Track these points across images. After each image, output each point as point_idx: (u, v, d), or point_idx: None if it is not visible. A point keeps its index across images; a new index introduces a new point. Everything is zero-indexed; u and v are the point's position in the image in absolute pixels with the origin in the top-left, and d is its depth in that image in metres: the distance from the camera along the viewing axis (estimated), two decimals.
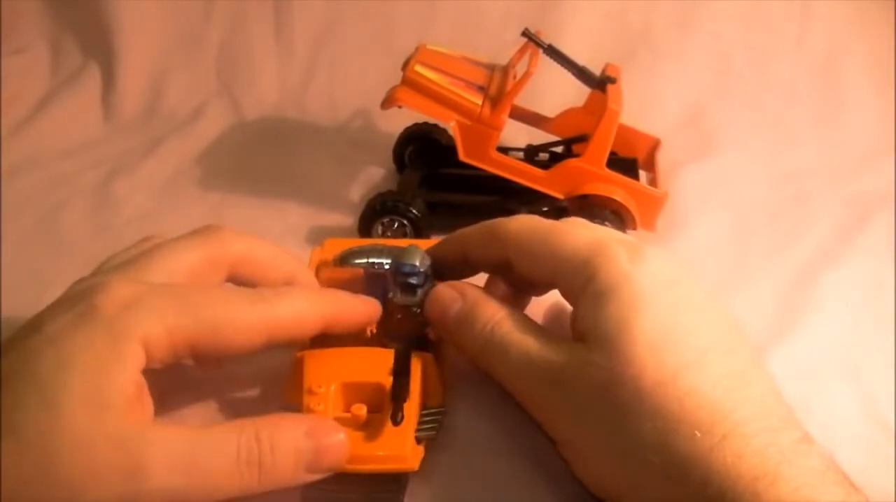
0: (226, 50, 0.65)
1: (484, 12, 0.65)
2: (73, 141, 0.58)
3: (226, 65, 0.65)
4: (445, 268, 0.35)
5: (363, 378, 0.31)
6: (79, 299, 0.27)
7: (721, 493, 0.24)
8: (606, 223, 0.43)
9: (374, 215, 0.44)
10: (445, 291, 0.33)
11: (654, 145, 0.52)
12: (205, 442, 0.26)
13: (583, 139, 0.46)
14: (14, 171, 0.53)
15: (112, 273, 0.30)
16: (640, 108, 0.52)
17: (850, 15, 0.63)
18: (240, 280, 0.33)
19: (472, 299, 0.32)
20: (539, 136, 0.51)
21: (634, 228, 0.45)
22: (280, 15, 0.66)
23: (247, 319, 0.29)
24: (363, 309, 0.33)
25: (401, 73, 0.45)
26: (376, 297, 0.34)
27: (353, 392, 0.30)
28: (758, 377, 0.28)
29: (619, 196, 0.44)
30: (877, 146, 0.58)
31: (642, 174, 0.50)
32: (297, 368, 0.32)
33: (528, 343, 0.30)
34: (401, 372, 0.31)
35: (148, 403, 0.27)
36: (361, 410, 0.30)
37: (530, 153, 0.50)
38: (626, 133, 0.50)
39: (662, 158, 0.51)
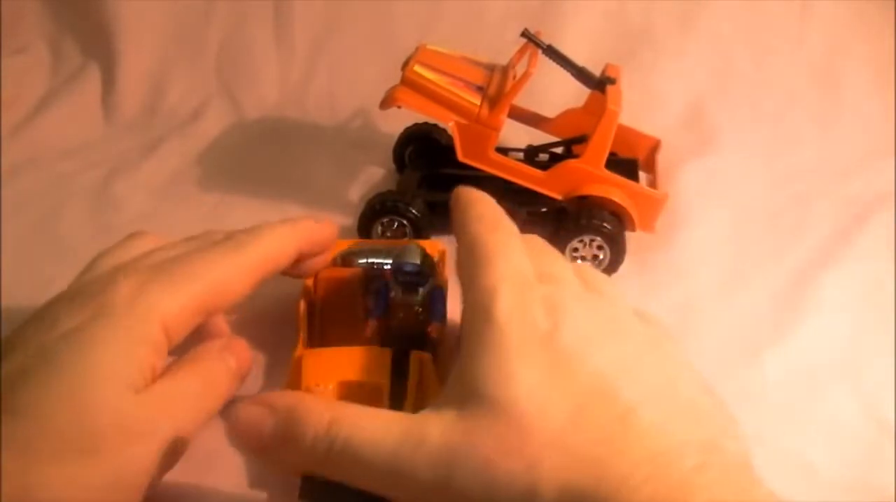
0: (226, 50, 0.65)
1: (484, 12, 0.65)
2: (73, 141, 0.58)
3: (226, 65, 0.65)
4: None
5: (361, 377, 0.31)
6: (91, 293, 0.29)
7: None
8: (605, 225, 0.43)
9: (374, 215, 0.45)
10: (249, 410, 0.26)
11: (655, 146, 0.52)
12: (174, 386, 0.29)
13: (582, 140, 0.46)
14: (14, 171, 0.53)
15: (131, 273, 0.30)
16: (640, 108, 0.52)
17: (850, 15, 0.63)
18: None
19: (285, 408, 0.25)
20: (539, 137, 0.51)
21: (633, 229, 0.45)
22: (280, 15, 0.66)
23: (241, 267, 0.31)
24: (325, 228, 0.36)
25: (400, 74, 0.45)
26: (378, 297, 0.34)
27: (352, 391, 0.31)
28: (648, 408, 0.24)
29: (617, 197, 0.44)
30: (877, 146, 0.58)
31: (642, 175, 0.50)
32: (297, 367, 0.32)
33: (382, 432, 0.24)
34: (399, 372, 0.31)
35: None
36: None
37: (530, 154, 0.50)
38: (626, 134, 0.50)
39: (662, 158, 0.51)
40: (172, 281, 0.29)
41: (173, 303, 0.29)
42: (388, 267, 0.35)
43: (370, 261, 0.36)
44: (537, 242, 0.31)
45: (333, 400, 0.28)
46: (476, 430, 0.24)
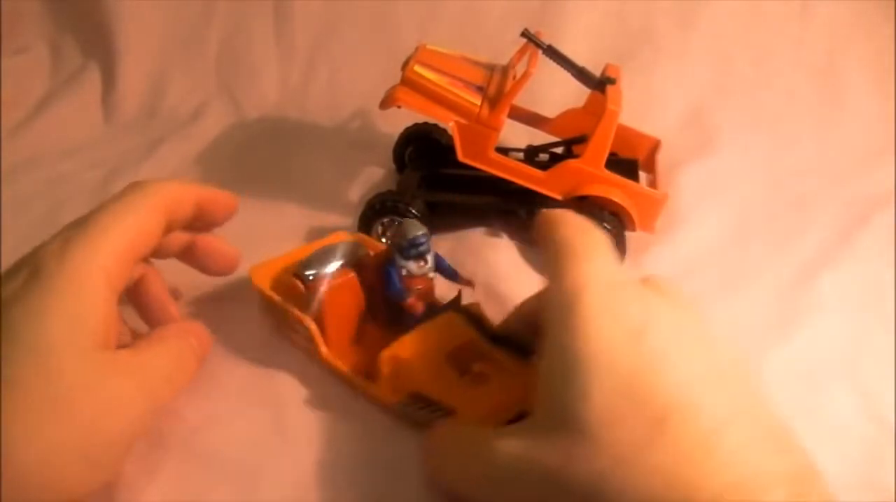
0: (226, 50, 0.65)
1: (484, 12, 0.65)
2: (73, 141, 0.58)
3: (226, 65, 0.65)
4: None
5: (457, 341, 0.33)
6: (25, 263, 0.29)
7: None
8: (605, 225, 0.43)
9: (374, 215, 0.44)
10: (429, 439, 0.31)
11: (655, 146, 0.52)
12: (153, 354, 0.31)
13: (583, 140, 0.46)
14: (14, 171, 0.53)
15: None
16: (640, 109, 0.52)
17: (850, 15, 0.63)
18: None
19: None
20: (539, 137, 0.51)
21: (633, 229, 0.45)
22: (280, 15, 0.66)
23: (149, 210, 0.32)
24: (222, 195, 0.36)
25: (401, 74, 0.45)
26: (390, 280, 0.35)
27: (459, 356, 0.33)
28: (744, 424, 0.24)
29: (617, 197, 0.44)
30: (877, 146, 0.58)
31: (642, 175, 0.50)
32: (390, 364, 0.33)
33: (475, 450, 0.28)
34: (476, 320, 0.34)
35: (114, 339, 0.30)
36: (481, 366, 0.33)
37: (530, 154, 0.49)
38: (626, 134, 0.50)
39: (662, 159, 0.51)
40: (88, 233, 0.29)
41: (97, 251, 0.29)
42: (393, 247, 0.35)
43: (342, 264, 0.36)
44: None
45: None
46: (550, 437, 0.24)
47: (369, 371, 0.34)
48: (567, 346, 0.25)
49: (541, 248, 0.30)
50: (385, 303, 0.36)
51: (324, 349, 0.35)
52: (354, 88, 0.63)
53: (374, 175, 0.54)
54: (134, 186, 0.33)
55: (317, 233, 0.47)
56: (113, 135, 0.60)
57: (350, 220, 0.47)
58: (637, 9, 0.65)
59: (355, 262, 0.37)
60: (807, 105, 0.61)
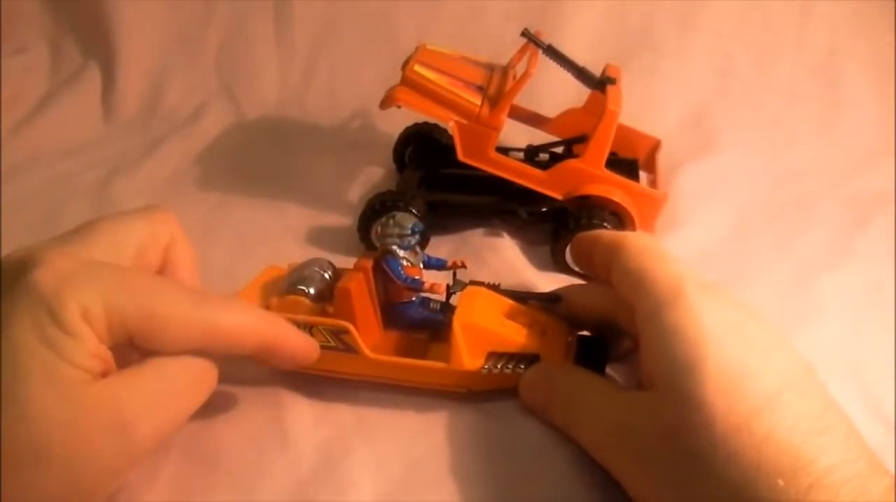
0: (226, 50, 0.65)
1: (484, 12, 0.65)
2: (73, 141, 0.58)
3: (226, 65, 0.65)
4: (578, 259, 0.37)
5: (499, 304, 0.36)
6: (15, 274, 0.26)
7: None
8: (605, 225, 0.43)
9: (374, 215, 0.44)
10: (532, 376, 0.34)
11: (655, 146, 0.52)
12: (166, 371, 0.27)
13: (583, 139, 0.46)
14: (14, 171, 0.53)
15: (50, 245, 0.28)
16: (640, 109, 0.52)
17: (850, 15, 0.63)
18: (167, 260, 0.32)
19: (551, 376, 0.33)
20: (540, 137, 0.51)
21: (633, 229, 0.45)
22: (280, 15, 0.66)
23: (185, 318, 0.27)
24: (304, 342, 0.31)
25: (401, 73, 0.45)
26: (393, 269, 0.35)
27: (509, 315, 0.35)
28: (836, 419, 0.26)
29: (617, 197, 0.44)
30: (877, 146, 0.58)
31: (643, 175, 0.50)
32: (465, 331, 0.33)
33: (594, 398, 0.31)
34: (495, 288, 0.36)
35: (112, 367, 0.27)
36: (528, 319, 0.35)
37: (530, 153, 0.50)
38: (626, 134, 0.50)
39: (663, 159, 0.51)
40: (104, 279, 0.26)
41: (97, 299, 0.25)
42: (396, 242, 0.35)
43: (326, 275, 0.36)
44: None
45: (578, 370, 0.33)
46: (668, 404, 0.27)
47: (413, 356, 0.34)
48: (680, 328, 0.27)
49: (591, 268, 0.34)
50: (383, 304, 0.36)
51: (367, 351, 0.33)
52: (354, 88, 0.63)
53: (374, 175, 0.54)
54: (208, 299, 0.29)
55: (317, 232, 0.47)
56: (113, 135, 0.60)
57: (350, 220, 0.47)
58: (637, 9, 0.65)
59: (336, 274, 0.36)
60: (807, 105, 0.61)
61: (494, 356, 0.34)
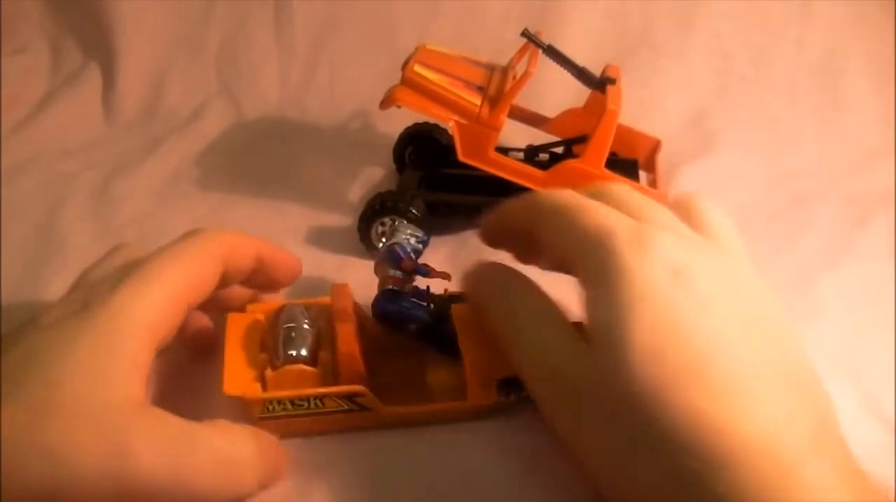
0: (226, 50, 0.65)
1: (484, 12, 0.65)
2: (73, 141, 0.58)
3: (226, 65, 0.65)
4: (492, 239, 0.35)
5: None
6: (75, 297, 0.28)
7: None
8: None
9: (374, 215, 0.44)
10: (482, 273, 0.33)
11: (655, 146, 0.52)
12: (191, 433, 0.27)
13: (583, 140, 0.46)
14: (14, 171, 0.53)
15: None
16: (640, 109, 0.52)
17: (850, 15, 0.63)
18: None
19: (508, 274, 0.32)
20: (540, 137, 0.51)
21: None
22: (280, 15, 0.66)
23: (204, 259, 0.31)
24: (287, 253, 0.35)
25: (400, 74, 0.45)
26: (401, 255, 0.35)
27: None
28: (766, 379, 0.24)
29: None
30: (877, 146, 0.58)
31: (643, 175, 0.50)
32: (478, 367, 0.33)
33: (538, 331, 0.29)
34: None
35: (144, 387, 0.27)
36: None
37: (530, 153, 0.50)
38: (626, 134, 0.50)
39: (662, 158, 0.51)
40: (138, 279, 0.28)
41: (145, 300, 0.28)
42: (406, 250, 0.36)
43: (299, 351, 0.33)
44: (621, 190, 0.30)
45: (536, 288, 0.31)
46: (591, 370, 0.26)
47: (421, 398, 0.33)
48: (603, 287, 0.26)
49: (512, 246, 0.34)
50: (381, 318, 0.36)
51: (383, 407, 0.32)
52: (354, 88, 0.63)
53: (374, 175, 0.54)
54: (193, 233, 0.32)
55: (317, 232, 0.47)
56: (113, 135, 0.59)
57: (350, 220, 0.47)
58: (637, 9, 0.65)
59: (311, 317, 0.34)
60: (807, 105, 0.61)
61: (504, 385, 0.33)
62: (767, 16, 0.64)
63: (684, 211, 0.30)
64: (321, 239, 0.47)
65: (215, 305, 0.35)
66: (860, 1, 0.63)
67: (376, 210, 0.44)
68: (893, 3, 0.62)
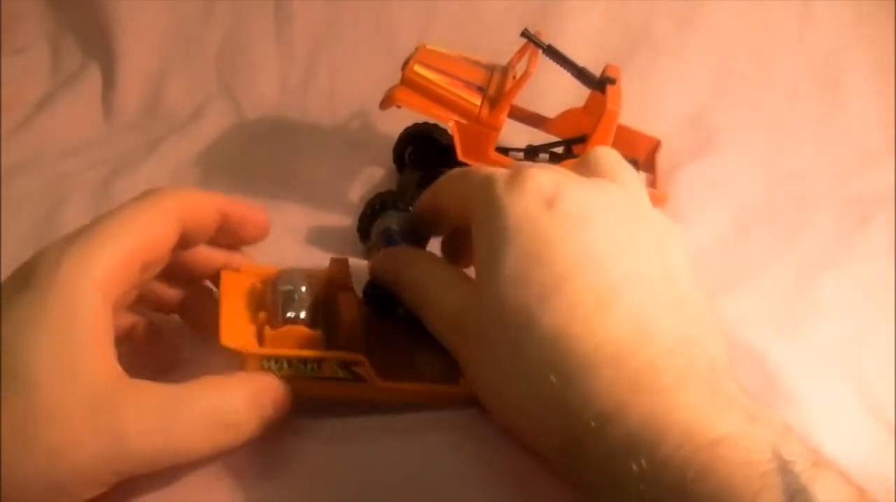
0: (226, 50, 0.65)
1: (484, 12, 0.65)
2: (73, 141, 0.58)
3: (226, 65, 0.65)
4: (423, 223, 0.37)
5: None
6: (20, 274, 0.27)
7: (576, 437, 0.23)
8: None
9: (374, 215, 0.44)
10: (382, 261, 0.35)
11: (655, 146, 0.52)
12: (178, 399, 0.26)
13: (583, 140, 0.46)
14: (14, 171, 0.53)
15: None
16: (640, 109, 0.52)
17: (850, 15, 0.63)
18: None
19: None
20: (539, 137, 0.51)
21: None
22: (280, 15, 0.66)
23: (156, 218, 0.29)
24: (251, 207, 0.34)
25: (400, 74, 0.45)
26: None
27: None
28: (632, 289, 0.25)
29: None
30: (877, 146, 0.58)
31: (642, 175, 0.50)
32: None
33: (438, 289, 0.30)
34: None
35: (113, 354, 0.27)
36: None
37: (530, 153, 0.50)
38: (626, 134, 0.50)
39: (662, 158, 0.51)
40: (87, 242, 0.28)
41: (93, 263, 0.27)
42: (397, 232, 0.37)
43: (299, 312, 0.32)
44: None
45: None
46: (474, 305, 0.27)
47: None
48: (482, 223, 0.28)
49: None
50: (370, 300, 0.35)
51: (378, 381, 0.31)
52: (354, 88, 0.63)
53: (374, 175, 0.54)
54: (146, 192, 0.30)
55: (317, 232, 0.47)
56: (113, 135, 0.59)
57: (350, 220, 0.47)
58: (637, 9, 0.65)
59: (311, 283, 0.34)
60: (807, 105, 0.61)
61: None
62: (767, 16, 0.64)
63: (587, 164, 0.31)
64: (321, 239, 0.47)
65: (184, 270, 0.34)
66: (860, 1, 0.63)
67: (376, 210, 0.44)
68: (894, 3, 0.62)
